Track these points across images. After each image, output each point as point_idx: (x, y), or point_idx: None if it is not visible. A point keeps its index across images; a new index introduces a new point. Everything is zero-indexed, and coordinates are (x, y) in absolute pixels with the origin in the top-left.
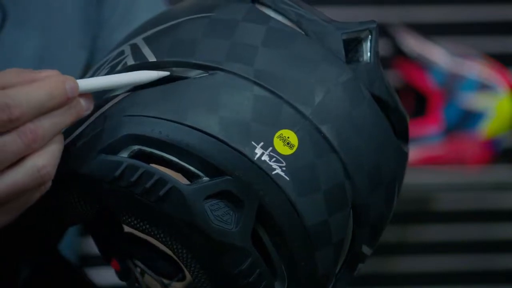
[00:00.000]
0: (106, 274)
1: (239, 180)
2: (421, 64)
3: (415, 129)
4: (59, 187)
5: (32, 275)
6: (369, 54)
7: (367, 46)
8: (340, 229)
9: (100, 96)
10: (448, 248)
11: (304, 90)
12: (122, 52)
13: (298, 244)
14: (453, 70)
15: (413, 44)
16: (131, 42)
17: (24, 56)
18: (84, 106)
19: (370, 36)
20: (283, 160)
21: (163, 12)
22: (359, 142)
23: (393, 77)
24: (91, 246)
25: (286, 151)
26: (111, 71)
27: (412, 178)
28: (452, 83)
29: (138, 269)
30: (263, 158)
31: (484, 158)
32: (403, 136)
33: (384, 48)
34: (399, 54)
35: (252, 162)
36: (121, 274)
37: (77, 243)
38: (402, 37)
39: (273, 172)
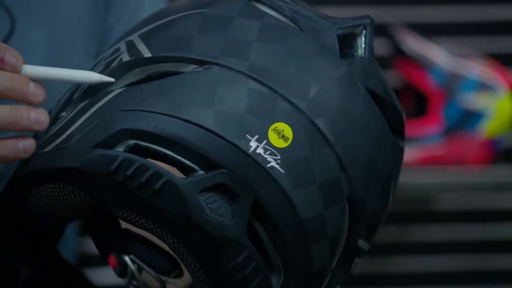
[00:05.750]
0: (105, 274)
1: (234, 173)
2: (421, 64)
3: (415, 129)
4: (55, 182)
5: (32, 275)
6: (364, 49)
7: (361, 41)
8: (335, 223)
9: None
10: (448, 248)
11: (299, 84)
12: (118, 49)
13: (293, 237)
14: (453, 70)
15: (413, 44)
16: (127, 39)
17: (33, 62)
18: (31, 89)
19: (364, 31)
20: (278, 153)
21: (159, 9)
22: (354, 136)
23: (393, 77)
24: (90, 246)
25: (281, 144)
26: (106, 68)
27: (412, 178)
28: (452, 83)
29: (136, 266)
30: (258, 151)
31: (484, 158)
32: (399, 132)
33: (384, 48)
34: (399, 54)
35: (247, 155)
36: (118, 271)
37: (77, 243)
38: (402, 37)
39: (268, 165)
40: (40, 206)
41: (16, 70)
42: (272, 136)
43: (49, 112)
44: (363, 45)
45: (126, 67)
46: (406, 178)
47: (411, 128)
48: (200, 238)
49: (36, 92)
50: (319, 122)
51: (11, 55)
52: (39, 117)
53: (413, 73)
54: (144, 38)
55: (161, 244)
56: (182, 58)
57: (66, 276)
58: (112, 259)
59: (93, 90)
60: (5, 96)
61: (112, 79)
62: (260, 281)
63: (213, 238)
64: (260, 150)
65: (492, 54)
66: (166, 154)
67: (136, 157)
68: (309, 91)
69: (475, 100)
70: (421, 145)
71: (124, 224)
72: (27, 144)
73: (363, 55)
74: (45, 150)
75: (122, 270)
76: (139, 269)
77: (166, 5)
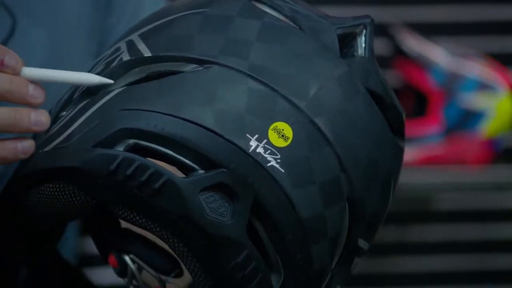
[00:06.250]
0: (105, 274)
1: (234, 173)
2: (421, 64)
3: (415, 129)
4: (55, 181)
5: (32, 275)
6: (364, 49)
7: (361, 41)
8: (335, 222)
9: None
10: (448, 248)
11: (299, 83)
12: (118, 49)
13: (293, 236)
14: (453, 70)
15: (413, 44)
16: (127, 38)
17: (34, 62)
18: (31, 91)
19: (364, 31)
20: (278, 152)
21: (159, 9)
22: (354, 135)
23: (393, 77)
24: (90, 246)
25: (281, 143)
26: (106, 68)
27: (412, 178)
28: (452, 83)
29: (136, 265)
30: (258, 150)
31: (484, 158)
32: (399, 132)
33: (384, 48)
34: (399, 54)
35: (247, 154)
36: (118, 271)
37: (77, 243)
38: (402, 37)
39: (268, 164)
40: (40, 206)
41: (15, 72)
42: (272, 136)
43: (49, 112)
44: (363, 45)
45: (126, 67)
46: (406, 178)
47: (411, 128)
48: (200, 237)
49: (36, 94)
50: (319, 122)
51: (11, 58)
52: (40, 119)
53: (413, 73)
54: (144, 37)
55: (161, 243)
56: (182, 57)
57: (66, 276)
58: (112, 258)
59: (93, 90)
60: (4, 98)
61: (112, 81)
62: (260, 280)
63: (213, 238)
64: (260, 150)
65: (492, 54)
66: (166, 154)
67: (136, 156)
68: (309, 91)
69: (475, 100)
70: (421, 145)
71: (124, 224)
72: (26, 145)
73: (363, 55)
74: (45, 149)
75: (122, 269)
76: (139, 268)
77: (166, 4)
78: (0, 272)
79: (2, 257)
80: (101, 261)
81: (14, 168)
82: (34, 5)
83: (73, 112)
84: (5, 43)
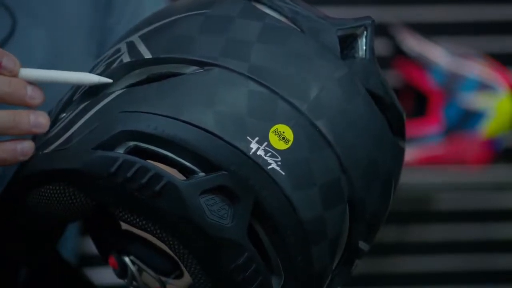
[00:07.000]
0: (105, 274)
1: (235, 175)
2: (421, 64)
3: (415, 129)
4: (55, 183)
5: (32, 275)
6: (364, 50)
7: (362, 42)
8: (336, 224)
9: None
10: (448, 248)
11: (299, 85)
12: (118, 50)
13: (294, 239)
14: (453, 70)
15: (413, 44)
16: (127, 40)
17: (34, 62)
18: (29, 93)
19: (365, 32)
20: (279, 155)
21: (160, 10)
22: (354, 137)
23: (393, 77)
24: (90, 246)
25: (282, 146)
26: (107, 69)
27: (412, 178)
28: (452, 83)
29: (136, 267)
30: (258, 152)
31: (484, 158)
32: (399, 132)
33: (384, 48)
34: (399, 54)
35: (248, 157)
36: (118, 272)
37: (77, 243)
38: (402, 37)
39: (269, 167)
40: (40, 207)
41: (13, 74)
42: (273, 138)
43: (49, 113)
44: (364, 47)
45: (126, 68)
46: (406, 178)
47: (411, 128)
48: (200, 239)
49: (34, 95)
50: (320, 124)
51: (9, 60)
52: (39, 120)
53: (413, 73)
54: (144, 39)
55: (161, 245)
56: (183, 59)
57: (66, 276)
58: (112, 260)
59: (94, 91)
60: (3, 100)
61: (110, 80)
62: (261, 283)
63: (214, 240)
64: (260, 152)
65: (492, 54)
66: (166, 156)
67: (137, 158)
68: (310, 93)
69: (475, 100)
70: (421, 145)
71: (124, 225)
72: (26, 147)
73: (364, 56)
74: (45, 151)
75: (122, 270)
76: (139, 270)
77: (166, 5)
78: (0, 272)
79: (2, 257)
80: (101, 261)
81: (13, 169)
82: (34, 5)
83: (73, 114)
84: (5, 43)
